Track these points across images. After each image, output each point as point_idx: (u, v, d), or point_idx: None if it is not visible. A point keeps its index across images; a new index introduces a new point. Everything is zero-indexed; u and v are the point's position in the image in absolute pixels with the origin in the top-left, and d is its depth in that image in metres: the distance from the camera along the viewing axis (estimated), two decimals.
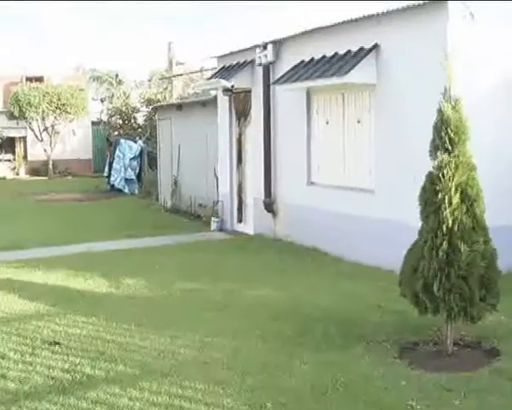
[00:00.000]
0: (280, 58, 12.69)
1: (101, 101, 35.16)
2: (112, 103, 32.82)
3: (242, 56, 13.98)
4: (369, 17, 10.25)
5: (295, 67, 11.78)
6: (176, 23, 57.03)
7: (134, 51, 49.94)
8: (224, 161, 15.05)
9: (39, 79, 35.41)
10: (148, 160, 24.66)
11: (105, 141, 33.77)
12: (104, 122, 32.96)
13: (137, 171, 25.00)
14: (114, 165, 25.19)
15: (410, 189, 9.72)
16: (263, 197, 13.19)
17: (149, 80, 29.26)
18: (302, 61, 11.79)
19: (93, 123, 36.87)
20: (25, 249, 12.52)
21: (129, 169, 24.81)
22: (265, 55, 12.78)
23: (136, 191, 24.48)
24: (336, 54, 10.91)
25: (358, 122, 10.84)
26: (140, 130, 28.80)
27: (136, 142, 25.45)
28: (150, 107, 24.84)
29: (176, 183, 18.88)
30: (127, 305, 8.39)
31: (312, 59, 11.54)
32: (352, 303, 8.28)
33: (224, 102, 14.96)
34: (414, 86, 9.52)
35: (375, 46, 10.13)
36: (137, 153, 25.03)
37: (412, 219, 9.74)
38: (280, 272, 10.13)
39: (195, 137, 17.66)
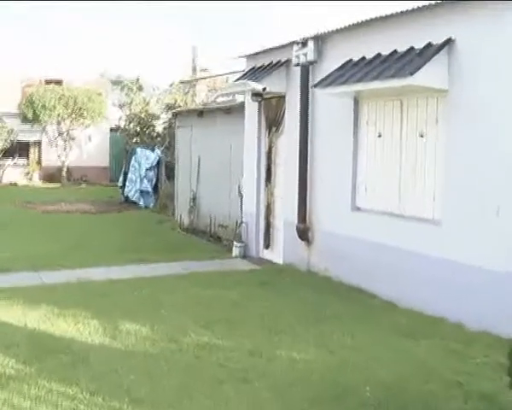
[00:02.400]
0: (322, 57, 10.64)
1: (120, 107, 33.41)
2: (131, 109, 31.05)
3: (276, 55, 11.95)
4: (440, 4, 8.20)
5: (342, 67, 9.72)
6: (201, 31, 55.21)
7: (157, 59, 48.19)
8: (251, 177, 13.00)
9: (58, 83, 33.68)
10: (166, 171, 22.77)
11: (123, 149, 31.98)
12: (122, 129, 31.18)
13: (154, 182, 23.10)
14: (130, 175, 23.35)
15: (491, 222, 7.69)
16: (296, 222, 11.11)
17: (170, 85, 27.36)
18: (350, 61, 9.74)
19: (111, 130, 35.18)
20: (9, 273, 10.48)
21: (145, 180, 22.92)
22: (304, 54, 10.73)
23: (152, 205, 22.59)
24: (395, 52, 8.85)
25: (421, 136, 8.74)
26: (159, 138, 26.95)
27: (153, 151, 23.57)
28: (170, 112, 22.89)
29: (194, 199, 16.86)
30: (122, 366, 6.31)
31: (363, 58, 9.48)
32: (422, 377, 6.15)
33: (252, 108, 12.93)
34: (504, 94, 7.41)
35: (448, 41, 8.05)
36: (154, 163, 23.14)
37: (492, 262, 7.73)
38: (320, 321, 8.00)
39: (218, 147, 15.67)
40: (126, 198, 23.46)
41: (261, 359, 6.61)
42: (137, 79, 32.56)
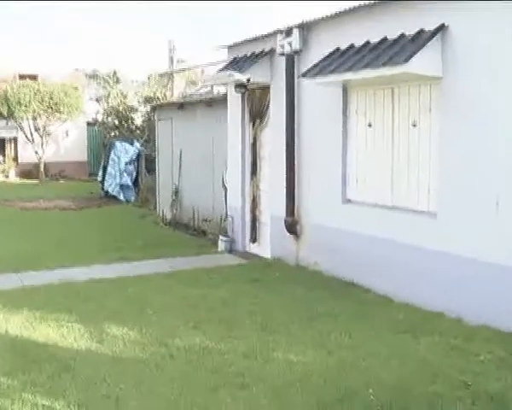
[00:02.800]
0: (308, 46, 10.33)
1: (97, 100, 32.91)
2: (108, 103, 30.59)
3: (259, 45, 11.62)
4: None
5: (330, 55, 9.42)
6: (176, 24, 54.58)
7: (133, 53, 47.51)
8: (235, 170, 12.69)
9: (34, 78, 32.97)
10: (146, 164, 22.46)
11: (101, 143, 31.47)
12: (99, 123, 30.70)
13: (134, 176, 22.73)
14: (109, 169, 22.93)
15: (489, 214, 7.46)
16: (284, 215, 10.83)
17: (149, 78, 26.89)
18: (338, 49, 9.44)
19: (88, 124, 34.66)
20: None
21: (124, 174, 22.54)
22: (289, 43, 10.41)
23: (133, 198, 22.21)
24: (385, 39, 8.57)
25: (414, 126, 8.48)
26: (138, 131, 26.56)
27: (132, 144, 23.18)
28: (149, 106, 22.49)
29: (176, 192, 16.52)
30: (111, 374, 5.99)
31: (352, 46, 9.19)
32: (425, 377, 5.90)
33: (235, 100, 12.60)
34: (500, 82, 7.16)
35: (442, 27, 7.77)
36: (134, 156, 22.79)
37: (490, 255, 7.34)
38: (314, 319, 7.72)
39: (200, 140, 15.34)
40: (106, 193, 23.06)
41: (256, 361, 6.32)
42: (114, 72, 32.10)
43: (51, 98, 31.01)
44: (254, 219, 12.21)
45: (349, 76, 8.49)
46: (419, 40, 7.84)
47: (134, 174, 22.69)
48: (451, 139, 7.81)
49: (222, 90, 18.71)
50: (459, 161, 7.71)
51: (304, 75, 9.52)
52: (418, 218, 8.42)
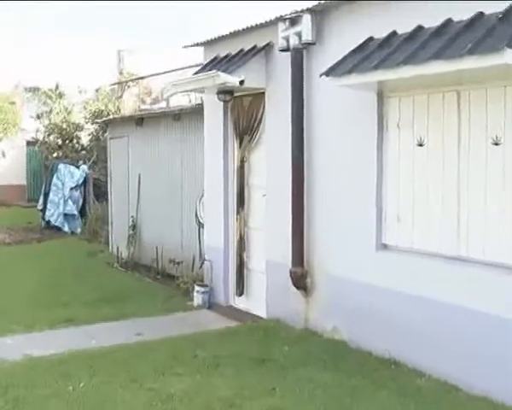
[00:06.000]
0: (323, 37, 7.74)
1: (38, 117, 29.71)
2: (50, 120, 27.46)
3: (250, 40, 8.99)
4: None
5: (362, 47, 6.84)
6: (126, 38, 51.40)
7: (80, 66, 44.06)
8: (215, 202, 9.95)
9: None
10: (95, 190, 19.47)
11: (42, 165, 28.29)
12: (40, 142, 27.54)
13: (80, 204, 19.72)
14: (51, 196, 19.83)
15: None
16: (287, 263, 8.15)
17: (97, 90, 23.95)
18: (371, 39, 6.90)
19: (28, 143, 31.39)
20: None
21: (69, 202, 19.52)
22: (297, 34, 7.79)
23: (79, 230, 19.20)
24: (450, 21, 6.05)
25: (496, 144, 5.94)
26: (84, 152, 23.55)
27: (78, 167, 20.20)
28: (98, 122, 19.58)
29: (134, 226, 13.66)
30: None
31: (394, 33, 6.65)
32: None
33: (215, 111, 9.90)
34: None
35: None
36: (81, 181, 19.79)
37: None
38: None
39: (165, 163, 12.61)
40: (48, 223, 19.93)
41: None
42: (57, 86, 29.12)
43: None
44: (241, 266, 9.50)
45: (407, 72, 5.81)
46: None
47: (80, 202, 19.73)
48: None
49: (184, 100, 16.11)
50: None
51: (327, 74, 6.85)
52: (502, 275, 5.86)
